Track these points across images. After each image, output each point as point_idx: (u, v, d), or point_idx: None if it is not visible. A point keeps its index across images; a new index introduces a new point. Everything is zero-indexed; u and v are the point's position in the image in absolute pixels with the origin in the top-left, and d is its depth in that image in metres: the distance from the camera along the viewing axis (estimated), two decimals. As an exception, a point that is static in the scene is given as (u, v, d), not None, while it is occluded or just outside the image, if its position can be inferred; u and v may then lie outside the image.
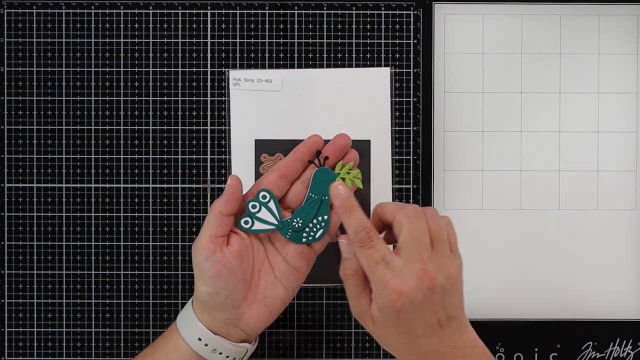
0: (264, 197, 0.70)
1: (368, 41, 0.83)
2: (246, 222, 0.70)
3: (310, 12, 0.83)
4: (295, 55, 0.83)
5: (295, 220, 0.70)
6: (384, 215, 0.68)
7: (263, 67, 0.83)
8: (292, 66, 0.83)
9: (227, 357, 0.69)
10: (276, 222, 0.70)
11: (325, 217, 0.71)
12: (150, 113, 0.83)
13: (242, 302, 0.69)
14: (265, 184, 0.70)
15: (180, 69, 0.83)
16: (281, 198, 0.71)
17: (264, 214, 0.70)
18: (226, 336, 0.69)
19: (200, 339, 0.68)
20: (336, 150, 0.70)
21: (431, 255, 0.65)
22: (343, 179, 0.70)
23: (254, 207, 0.70)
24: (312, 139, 0.71)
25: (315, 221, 0.71)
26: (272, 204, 0.70)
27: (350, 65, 0.83)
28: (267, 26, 0.83)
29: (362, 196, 0.81)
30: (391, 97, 0.82)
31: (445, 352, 0.66)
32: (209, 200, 0.83)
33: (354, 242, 0.66)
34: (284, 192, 0.71)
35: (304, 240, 0.71)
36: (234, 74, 0.82)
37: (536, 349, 0.83)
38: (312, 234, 0.71)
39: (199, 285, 0.68)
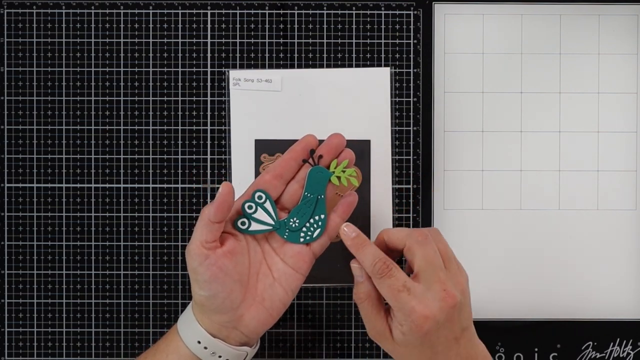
0: (260, 197, 0.69)
1: (368, 41, 0.83)
2: (243, 223, 0.69)
3: (310, 12, 0.83)
4: (295, 55, 0.83)
5: (292, 220, 0.70)
6: (391, 242, 0.70)
7: (263, 67, 0.82)
8: (292, 66, 0.82)
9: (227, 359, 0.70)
10: (273, 223, 0.70)
11: (322, 216, 0.70)
12: (150, 113, 0.83)
13: (240, 304, 0.69)
14: (260, 185, 0.70)
15: (180, 69, 0.83)
16: (277, 198, 0.71)
17: (260, 214, 0.70)
18: (225, 339, 0.69)
19: (199, 342, 0.68)
20: (330, 150, 0.70)
21: (446, 274, 0.68)
22: (338, 177, 0.70)
23: (250, 207, 0.69)
24: (306, 138, 0.71)
25: (312, 220, 0.70)
26: (268, 204, 0.70)
27: (350, 65, 0.82)
28: (267, 26, 0.83)
29: (362, 196, 0.81)
30: (391, 97, 0.82)
31: None
32: (209, 200, 0.82)
33: (372, 274, 0.68)
34: (279, 192, 0.71)
35: (301, 240, 0.70)
36: (234, 74, 0.82)
37: (536, 349, 0.83)
38: (309, 233, 0.70)
39: (195, 290, 0.68)
